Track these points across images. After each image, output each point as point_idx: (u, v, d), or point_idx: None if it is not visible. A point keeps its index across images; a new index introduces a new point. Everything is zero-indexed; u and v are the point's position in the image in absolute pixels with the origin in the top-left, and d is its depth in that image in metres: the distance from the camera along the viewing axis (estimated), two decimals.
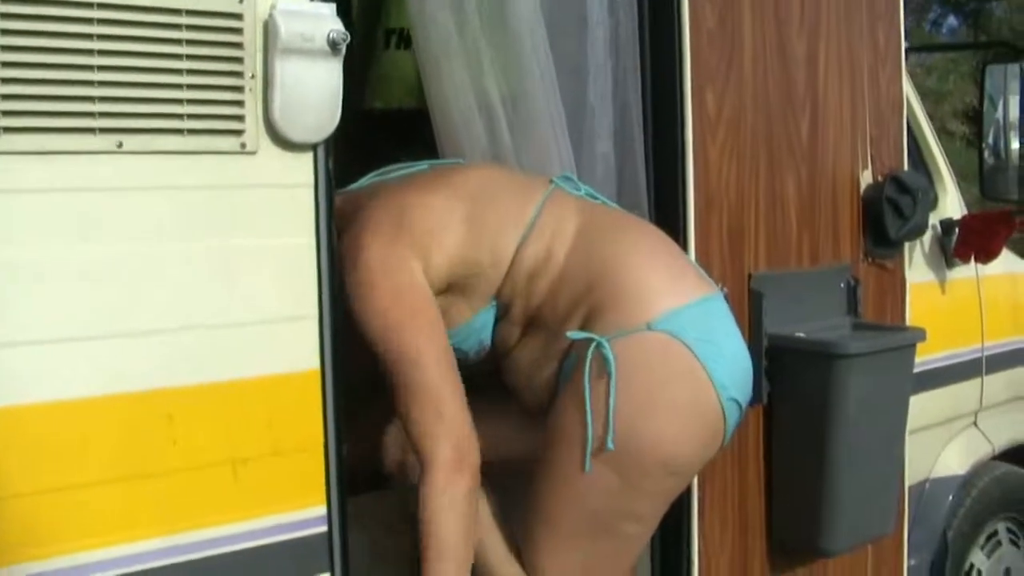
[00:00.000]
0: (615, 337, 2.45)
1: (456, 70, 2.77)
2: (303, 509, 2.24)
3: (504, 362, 2.67)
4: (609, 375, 2.44)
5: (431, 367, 2.45)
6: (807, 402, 3.06)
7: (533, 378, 2.60)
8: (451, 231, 2.54)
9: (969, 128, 11.50)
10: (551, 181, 2.66)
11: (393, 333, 2.45)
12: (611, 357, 2.43)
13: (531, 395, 2.62)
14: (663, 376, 2.47)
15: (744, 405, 2.58)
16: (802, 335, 3.11)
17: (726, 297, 2.64)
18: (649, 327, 2.46)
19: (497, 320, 2.62)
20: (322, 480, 2.26)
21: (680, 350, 2.46)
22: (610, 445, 2.43)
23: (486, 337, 2.63)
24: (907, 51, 3.85)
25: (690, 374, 2.47)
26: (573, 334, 2.49)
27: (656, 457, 2.47)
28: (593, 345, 2.45)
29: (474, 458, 2.43)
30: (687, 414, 2.48)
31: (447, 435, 2.41)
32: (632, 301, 2.48)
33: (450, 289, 2.56)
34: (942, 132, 10.77)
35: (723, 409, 2.49)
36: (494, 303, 2.60)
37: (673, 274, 2.56)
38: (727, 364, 2.50)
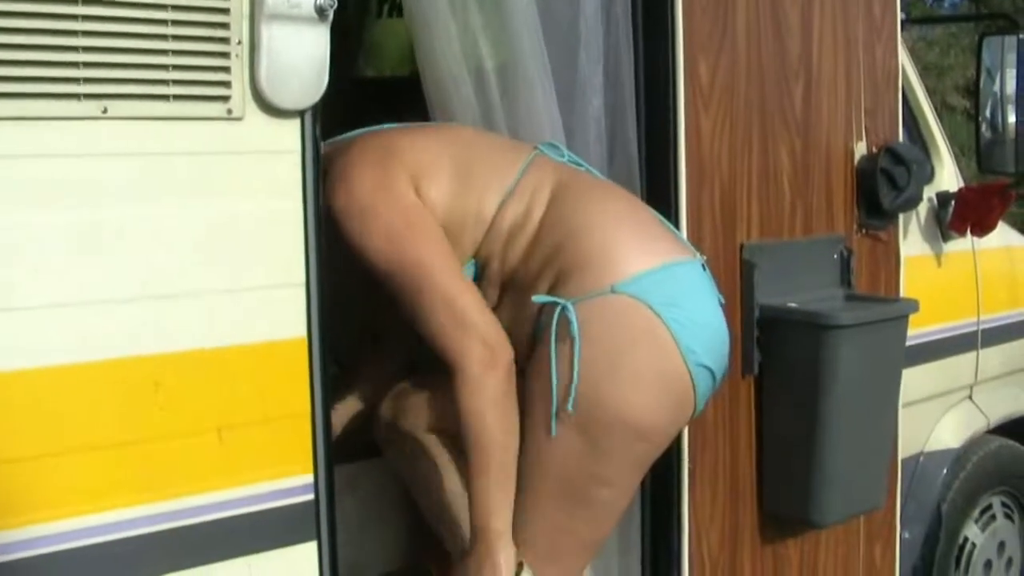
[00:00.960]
0: (579, 300, 2.45)
1: (446, 35, 2.77)
2: (290, 477, 2.24)
3: None
4: (573, 339, 2.44)
5: (444, 272, 2.47)
6: (799, 373, 3.05)
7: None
8: (443, 172, 2.56)
9: (970, 102, 11.44)
10: (536, 147, 2.67)
11: (401, 248, 2.46)
12: (575, 321, 2.43)
13: None
14: (626, 339, 2.46)
15: (718, 373, 2.57)
16: (794, 306, 3.10)
17: (703, 265, 2.61)
18: (613, 290, 2.45)
19: (476, 280, 2.61)
20: (309, 448, 2.26)
21: (644, 313, 2.45)
22: (570, 409, 2.44)
23: None
24: (907, 23, 3.84)
25: (654, 338, 2.46)
26: (538, 298, 2.50)
27: (620, 420, 2.46)
28: (558, 309, 2.45)
29: (506, 353, 2.45)
30: (651, 378, 2.47)
31: (473, 334, 2.43)
32: (597, 264, 2.48)
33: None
34: (943, 106, 10.76)
35: (691, 374, 2.48)
36: (473, 262, 2.60)
37: (642, 238, 2.55)
38: (696, 329, 2.49)
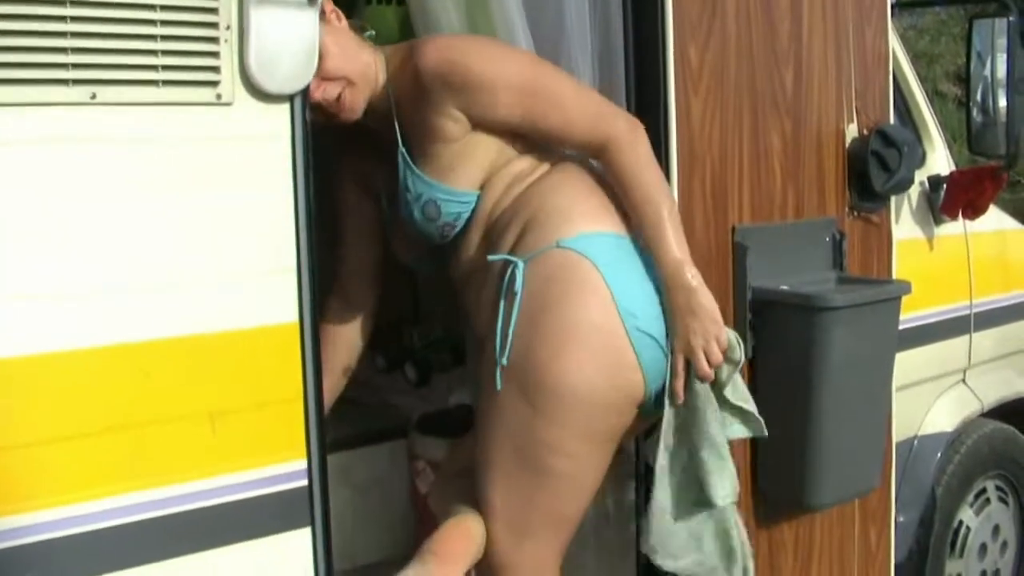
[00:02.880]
0: (529, 257, 2.50)
1: (447, 21, 2.84)
2: (283, 463, 2.24)
3: (462, 282, 2.74)
4: (515, 295, 2.48)
5: (574, 83, 2.69)
6: (791, 355, 3.04)
7: (479, 300, 2.66)
8: None
9: (961, 89, 11.44)
10: None
11: (540, 73, 2.62)
12: (519, 278, 2.48)
13: (479, 320, 2.65)
14: (560, 291, 2.48)
15: (668, 348, 2.56)
16: (786, 288, 3.09)
17: None
18: (558, 245, 2.50)
19: (471, 215, 2.65)
20: (302, 433, 2.26)
21: (585, 267, 2.48)
22: (504, 362, 2.47)
23: (463, 216, 2.65)
24: (897, 7, 3.82)
25: (590, 291, 2.48)
26: (493, 257, 2.56)
27: (551, 376, 2.47)
28: (510, 268, 2.51)
29: (640, 123, 2.63)
30: (583, 332, 2.48)
31: (615, 112, 2.65)
32: (551, 222, 2.53)
33: (478, 140, 2.62)
34: (934, 94, 10.75)
35: (629, 336, 2.48)
36: (477, 193, 2.64)
37: (605, 208, 2.59)
38: (639, 295, 2.51)
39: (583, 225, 2.53)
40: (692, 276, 2.52)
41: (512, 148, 2.63)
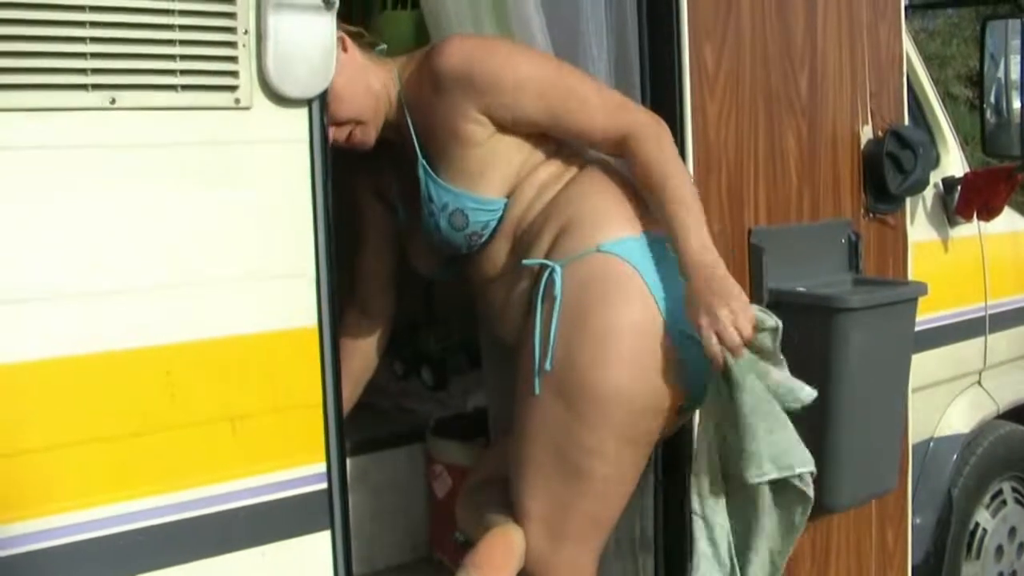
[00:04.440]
0: (567, 261, 2.49)
1: (459, 26, 2.82)
2: (303, 466, 2.24)
3: (487, 290, 2.72)
4: (555, 299, 2.47)
5: (595, 82, 2.68)
6: (808, 357, 3.02)
7: (507, 305, 2.65)
8: None
9: (973, 92, 11.44)
10: None
11: (560, 71, 2.62)
12: (559, 281, 2.47)
13: (505, 325, 2.64)
14: (603, 295, 2.47)
15: None
16: (803, 289, 3.09)
17: None
18: (599, 249, 2.49)
19: (498, 223, 2.63)
20: (321, 437, 2.26)
21: (626, 271, 2.48)
22: (547, 367, 2.46)
23: (491, 225, 2.64)
24: (910, 8, 3.83)
25: (632, 294, 2.47)
26: (528, 261, 2.55)
27: (594, 380, 2.46)
28: (547, 271, 2.50)
29: (663, 121, 2.61)
30: (626, 337, 2.47)
31: (636, 107, 2.65)
32: (589, 225, 2.53)
33: (503, 144, 2.60)
34: (946, 96, 10.74)
35: (672, 341, 2.47)
36: (505, 201, 2.62)
37: (640, 211, 2.58)
38: (680, 297, 2.47)
39: (621, 229, 2.52)
40: (714, 260, 2.46)
41: (537, 154, 2.62)
